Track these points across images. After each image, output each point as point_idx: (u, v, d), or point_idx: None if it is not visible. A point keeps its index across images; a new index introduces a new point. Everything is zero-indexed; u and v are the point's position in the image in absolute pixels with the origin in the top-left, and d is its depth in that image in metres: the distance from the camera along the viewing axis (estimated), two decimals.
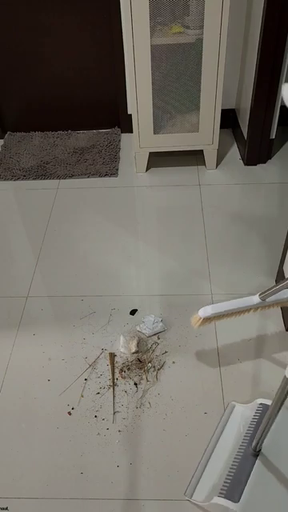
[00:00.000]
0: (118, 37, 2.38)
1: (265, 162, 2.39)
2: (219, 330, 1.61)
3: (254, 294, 1.36)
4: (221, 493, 1.14)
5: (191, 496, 1.20)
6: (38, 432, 1.38)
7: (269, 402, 1.31)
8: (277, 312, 1.66)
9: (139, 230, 2.08)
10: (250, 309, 1.37)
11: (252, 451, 1.19)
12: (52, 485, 1.26)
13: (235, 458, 1.21)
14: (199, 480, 1.23)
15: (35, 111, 2.70)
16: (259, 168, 2.36)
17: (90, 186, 2.34)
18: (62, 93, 2.62)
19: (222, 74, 2.03)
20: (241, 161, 2.42)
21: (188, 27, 1.97)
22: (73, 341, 1.62)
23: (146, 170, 2.38)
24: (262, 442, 1.16)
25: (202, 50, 1.97)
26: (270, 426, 1.09)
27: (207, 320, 1.36)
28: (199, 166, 2.38)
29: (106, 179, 2.38)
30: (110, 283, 1.82)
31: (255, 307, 1.36)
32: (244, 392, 1.43)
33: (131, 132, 2.32)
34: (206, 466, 1.24)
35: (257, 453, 1.19)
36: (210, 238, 1.97)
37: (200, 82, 2.08)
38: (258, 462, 1.17)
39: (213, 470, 1.22)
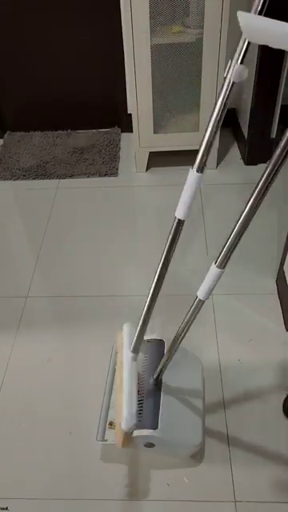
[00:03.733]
0: (118, 36, 2.37)
1: (265, 162, 2.39)
2: (219, 329, 1.61)
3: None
4: (139, 425, 1.17)
5: (103, 438, 1.22)
6: (38, 432, 1.38)
7: (158, 338, 1.41)
8: (277, 312, 1.66)
9: (139, 229, 2.08)
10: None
11: (154, 382, 1.25)
12: (52, 485, 1.26)
13: (140, 392, 1.24)
14: (106, 420, 1.26)
15: (35, 111, 2.70)
16: (260, 168, 2.36)
17: (89, 185, 2.34)
18: (62, 92, 2.62)
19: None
20: (241, 160, 2.42)
21: (188, 27, 1.96)
22: (72, 341, 1.62)
23: (146, 170, 2.38)
24: (163, 373, 1.23)
25: (202, 50, 1.97)
26: (171, 359, 1.17)
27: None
28: None
29: (106, 179, 2.37)
30: (110, 283, 1.82)
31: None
32: (244, 392, 1.43)
33: (131, 131, 2.31)
34: (109, 406, 1.29)
35: (158, 382, 1.25)
36: (210, 237, 1.96)
37: (200, 82, 2.07)
38: (162, 390, 1.24)
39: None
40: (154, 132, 2.24)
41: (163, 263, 1.04)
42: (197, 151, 0.83)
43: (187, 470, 1.27)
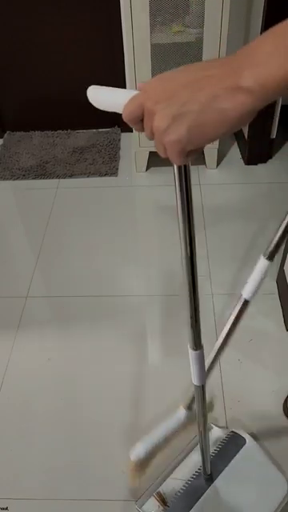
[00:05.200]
0: (118, 35, 2.37)
1: (265, 162, 2.39)
2: (220, 329, 1.61)
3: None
4: (167, 505, 1.14)
5: (141, 506, 1.18)
6: (38, 432, 1.38)
7: (241, 434, 1.26)
8: (277, 312, 1.66)
9: (139, 229, 2.08)
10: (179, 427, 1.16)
11: (204, 475, 1.15)
12: (52, 485, 1.26)
13: (191, 477, 1.19)
14: (152, 493, 1.20)
15: (35, 110, 2.70)
16: (260, 168, 2.36)
17: (89, 185, 2.34)
18: (62, 92, 2.61)
19: None
20: (241, 160, 2.42)
21: (188, 26, 1.96)
22: (72, 341, 1.62)
23: (146, 170, 2.38)
24: (208, 466, 1.12)
25: (202, 50, 1.97)
26: (207, 451, 1.05)
27: (144, 464, 1.13)
28: (199, 166, 2.38)
29: (106, 179, 2.37)
30: (110, 283, 1.82)
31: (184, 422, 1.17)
32: (244, 392, 1.43)
33: (131, 131, 2.31)
34: (164, 481, 1.21)
35: (209, 477, 1.15)
36: (210, 237, 1.96)
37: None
38: (209, 485, 1.15)
39: (168, 486, 1.19)
40: None
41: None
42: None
43: None
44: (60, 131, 2.73)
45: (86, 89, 0.59)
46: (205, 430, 0.98)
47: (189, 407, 1.10)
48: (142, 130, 0.50)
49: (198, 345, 0.76)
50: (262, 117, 2.21)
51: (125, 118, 0.50)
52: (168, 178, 2.33)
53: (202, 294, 1.88)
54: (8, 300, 1.78)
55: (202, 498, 1.14)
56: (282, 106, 2.26)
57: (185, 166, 0.55)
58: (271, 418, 1.37)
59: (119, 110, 0.53)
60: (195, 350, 0.77)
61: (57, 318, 1.70)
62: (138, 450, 1.10)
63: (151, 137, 0.48)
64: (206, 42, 1.94)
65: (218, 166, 2.38)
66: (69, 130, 2.73)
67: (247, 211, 2.09)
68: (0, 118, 2.72)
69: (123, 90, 0.54)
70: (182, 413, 1.12)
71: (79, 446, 1.33)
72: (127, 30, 1.92)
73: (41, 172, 2.43)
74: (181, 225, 0.62)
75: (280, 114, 2.24)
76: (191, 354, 0.79)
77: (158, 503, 1.17)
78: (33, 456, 1.33)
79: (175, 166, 0.55)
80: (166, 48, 2.03)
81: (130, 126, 0.51)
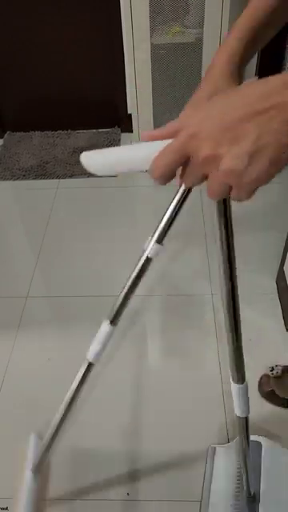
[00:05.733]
0: (118, 36, 2.37)
1: None
2: (220, 329, 1.61)
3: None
4: None
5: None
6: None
7: (254, 438, 1.18)
8: (277, 312, 1.66)
9: (139, 229, 2.08)
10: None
11: (247, 497, 1.07)
12: (52, 485, 1.26)
13: (235, 506, 1.09)
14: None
15: (35, 111, 2.70)
16: None
17: (89, 185, 2.34)
18: (62, 92, 2.61)
19: None
20: None
21: (188, 26, 1.96)
22: (72, 341, 1.62)
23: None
24: (253, 485, 1.05)
25: (202, 50, 1.97)
26: (251, 467, 0.99)
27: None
28: None
29: (106, 179, 2.37)
30: (110, 283, 1.82)
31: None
32: None
33: (131, 132, 2.31)
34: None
35: (253, 498, 1.07)
36: (210, 237, 1.96)
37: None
38: (255, 507, 1.06)
39: None
40: None
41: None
42: None
43: None
44: (60, 131, 2.73)
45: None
46: (245, 457, 0.93)
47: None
48: (168, 181, 0.46)
49: (241, 379, 0.76)
50: None
51: (159, 172, 0.46)
52: None
53: (201, 294, 1.89)
54: (8, 300, 1.78)
55: None
56: None
57: (226, 200, 0.52)
58: (271, 417, 1.37)
59: (141, 167, 0.47)
60: (238, 383, 0.77)
61: (57, 318, 1.70)
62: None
63: (197, 183, 0.45)
64: (205, 42, 1.94)
65: None
66: (69, 130, 2.73)
67: (247, 212, 2.09)
68: (0, 118, 2.72)
69: (139, 143, 0.46)
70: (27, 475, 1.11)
71: (79, 446, 1.33)
72: (127, 30, 1.92)
73: (41, 172, 2.43)
74: (224, 274, 0.62)
75: None
76: (234, 387, 0.78)
77: None
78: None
79: (218, 202, 0.52)
80: (165, 48, 2.04)
81: (161, 182, 0.47)
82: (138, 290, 0.81)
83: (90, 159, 0.48)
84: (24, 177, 2.42)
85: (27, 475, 1.15)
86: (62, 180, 2.39)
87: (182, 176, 0.46)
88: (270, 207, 2.11)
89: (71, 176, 2.40)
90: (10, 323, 1.69)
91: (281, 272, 1.70)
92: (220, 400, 1.41)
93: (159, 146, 0.44)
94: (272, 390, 1.36)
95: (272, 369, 1.38)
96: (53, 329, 1.66)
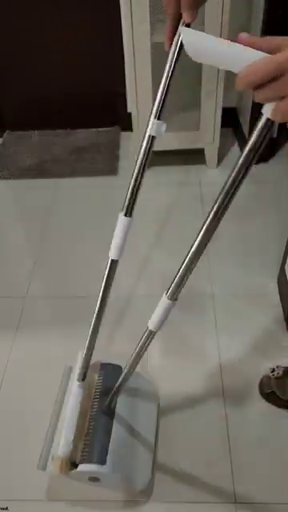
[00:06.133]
0: (118, 35, 2.37)
1: (266, 161, 2.38)
2: (220, 329, 1.61)
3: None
4: (84, 458, 1.08)
5: (44, 468, 1.10)
6: (38, 432, 1.37)
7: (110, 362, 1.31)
8: (277, 312, 1.65)
9: (139, 229, 2.07)
10: None
11: (106, 410, 1.16)
12: (52, 485, 1.26)
13: (90, 420, 1.16)
14: (50, 449, 1.13)
15: (34, 110, 2.69)
16: (261, 167, 2.35)
17: (89, 185, 2.33)
18: (61, 91, 2.61)
19: (223, 72, 2.02)
20: None
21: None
22: (72, 341, 1.61)
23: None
24: (116, 400, 1.14)
25: None
26: (124, 383, 1.08)
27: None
28: (200, 165, 2.37)
29: (106, 178, 2.37)
30: None
31: None
32: (244, 392, 1.43)
33: (131, 130, 2.31)
34: (54, 434, 1.17)
35: (111, 411, 1.16)
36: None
37: (201, 80, 2.07)
38: (114, 420, 1.15)
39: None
40: None
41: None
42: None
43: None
44: (59, 130, 2.73)
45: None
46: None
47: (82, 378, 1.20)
48: (250, 89, 0.46)
49: (176, 298, 0.83)
50: None
51: (251, 79, 0.46)
52: (168, 177, 2.32)
53: (201, 294, 1.88)
54: (7, 300, 1.78)
55: (112, 433, 1.13)
56: None
57: None
58: (272, 418, 1.37)
59: (230, 67, 0.47)
60: (172, 299, 0.84)
61: (56, 318, 1.70)
62: (63, 449, 1.10)
63: (271, 100, 0.46)
64: None
65: (218, 165, 2.37)
66: (68, 130, 2.73)
67: (248, 210, 2.09)
68: (0, 117, 2.72)
69: (237, 45, 0.47)
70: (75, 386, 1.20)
71: None
72: (127, 29, 1.91)
73: (40, 171, 2.43)
74: None
75: None
76: (164, 301, 0.87)
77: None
78: (32, 456, 1.32)
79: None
80: None
81: (248, 88, 0.47)
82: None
83: (190, 36, 0.51)
84: (23, 176, 2.41)
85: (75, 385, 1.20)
86: (61, 179, 2.39)
87: (258, 88, 0.46)
88: (272, 206, 2.11)
89: (71, 175, 2.39)
90: (9, 323, 1.68)
91: (282, 271, 1.70)
92: (220, 399, 1.41)
93: (257, 55, 0.44)
94: (273, 391, 1.35)
95: (273, 370, 1.37)
96: (52, 329, 1.66)
